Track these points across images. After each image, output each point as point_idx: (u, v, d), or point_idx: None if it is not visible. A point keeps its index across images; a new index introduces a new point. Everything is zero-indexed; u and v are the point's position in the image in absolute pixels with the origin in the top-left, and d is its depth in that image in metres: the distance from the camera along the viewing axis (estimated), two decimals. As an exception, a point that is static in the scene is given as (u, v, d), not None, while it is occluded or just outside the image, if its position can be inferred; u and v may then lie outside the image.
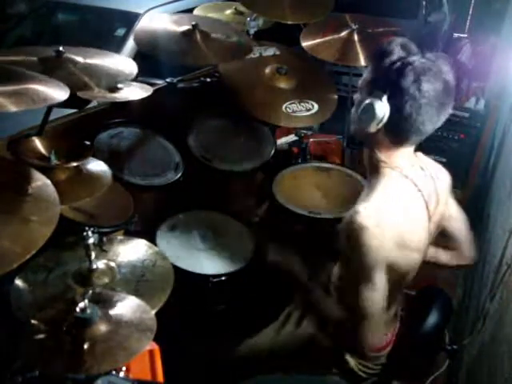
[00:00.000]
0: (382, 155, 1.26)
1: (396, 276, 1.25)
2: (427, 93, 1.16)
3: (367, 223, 1.15)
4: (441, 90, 1.17)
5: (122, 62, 1.60)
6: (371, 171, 1.30)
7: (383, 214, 1.18)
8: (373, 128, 1.22)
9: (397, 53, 1.19)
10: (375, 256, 1.17)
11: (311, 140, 2.51)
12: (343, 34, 2.20)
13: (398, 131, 1.22)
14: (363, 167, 1.38)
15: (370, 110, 1.20)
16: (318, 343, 1.46)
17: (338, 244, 1.34)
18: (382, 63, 1.20)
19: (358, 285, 1.21)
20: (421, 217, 1.27)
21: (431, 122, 1.20)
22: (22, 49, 1.70)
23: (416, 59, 1.17)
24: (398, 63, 1.17)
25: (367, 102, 1.21)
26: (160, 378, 1.24)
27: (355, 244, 1.16)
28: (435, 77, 1.17)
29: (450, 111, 1.23)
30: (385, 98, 1.18)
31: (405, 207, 1.23)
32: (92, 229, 1.30)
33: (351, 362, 1.41)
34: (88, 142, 1.57)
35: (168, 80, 2.17)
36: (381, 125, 1.21)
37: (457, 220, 1.46)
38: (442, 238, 1.47)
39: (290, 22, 2.16)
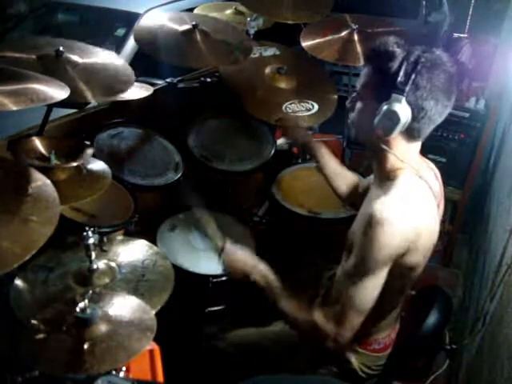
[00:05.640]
0: (398, 155, 1.24)
1: (404, 276, 1.24)
2: (440, 84, 1.16)
3: (386, 220, 1.13)
4: (448, 78, 1.18)
5: (120, 68, 1.58)
6: (385, 175, 1.27)
7: (402, 214, 1.16)
8: (396, 133, 1.19)
9: (399, 53, 1.18)
10: (386, 254, 1.15)
11: (311, 140, 2.50)
12: (343, 33, 2.20)
13: (415, 128, 1.21)
14: (363, 167, 1.37)
15: (393, 117, 1.16)
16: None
17: (347, 242, 1.33)
18: (389, 66, 1.18)
19: (354, 277, 1.18)
20: (433, 216, 1.26)
21: (444, 112, 1.21)
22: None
23: (420, 54, 1.17)
24: (407, 62, 1.16)
25: (389, 108, 1.16)
26: (160, 378, 1.24)
27: (371, 238, 1.15)
28: (442, 66, 1.18)
29: (453, 101, 1.22)
30: (404, 99, 1.15)
31: (421, 208, 1.22)
32: (92, 229, 1.30)
33: (354, 362, 1.41)
34: (88, 142, 1.58)
35: (168, 80, 2.17)
36: (404, 128, 1.19)
37: None
38: None
39: (290, 22, 2.16)
